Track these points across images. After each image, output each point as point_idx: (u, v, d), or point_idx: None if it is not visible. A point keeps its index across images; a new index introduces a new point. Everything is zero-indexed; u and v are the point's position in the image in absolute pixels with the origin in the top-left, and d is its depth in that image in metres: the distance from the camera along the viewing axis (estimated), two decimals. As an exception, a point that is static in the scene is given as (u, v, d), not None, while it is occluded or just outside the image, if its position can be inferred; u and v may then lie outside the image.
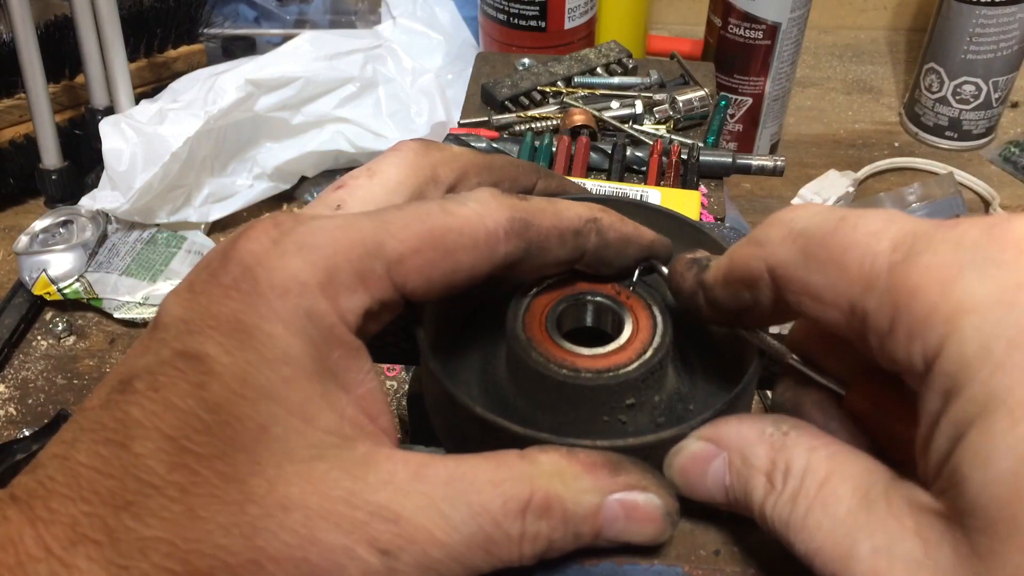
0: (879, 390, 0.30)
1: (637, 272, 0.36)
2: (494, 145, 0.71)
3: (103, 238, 0.91)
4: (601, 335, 0.36)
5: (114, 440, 0.25)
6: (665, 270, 0.35)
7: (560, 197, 0.36)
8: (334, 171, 1.01)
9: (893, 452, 0.29)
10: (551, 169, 0.70)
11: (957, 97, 1.05)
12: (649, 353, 0.34)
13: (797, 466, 0.28)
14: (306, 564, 0.25)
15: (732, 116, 1.03)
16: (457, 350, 0.38)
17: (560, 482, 0.28)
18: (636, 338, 0.35)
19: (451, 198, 0.32)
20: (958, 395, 0.23)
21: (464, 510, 0.26)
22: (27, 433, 0.75)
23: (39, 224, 0.91)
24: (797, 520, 0.27)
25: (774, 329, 0.34)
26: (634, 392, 0.33)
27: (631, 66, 0.86)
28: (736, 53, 0.99)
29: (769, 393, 0.79)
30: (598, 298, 0.36)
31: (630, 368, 0.33)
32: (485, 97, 0.82)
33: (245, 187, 0.97)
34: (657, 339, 0.34)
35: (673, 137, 0.76)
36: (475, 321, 0.39)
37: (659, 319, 0.35)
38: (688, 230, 0.39)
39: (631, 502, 0.29)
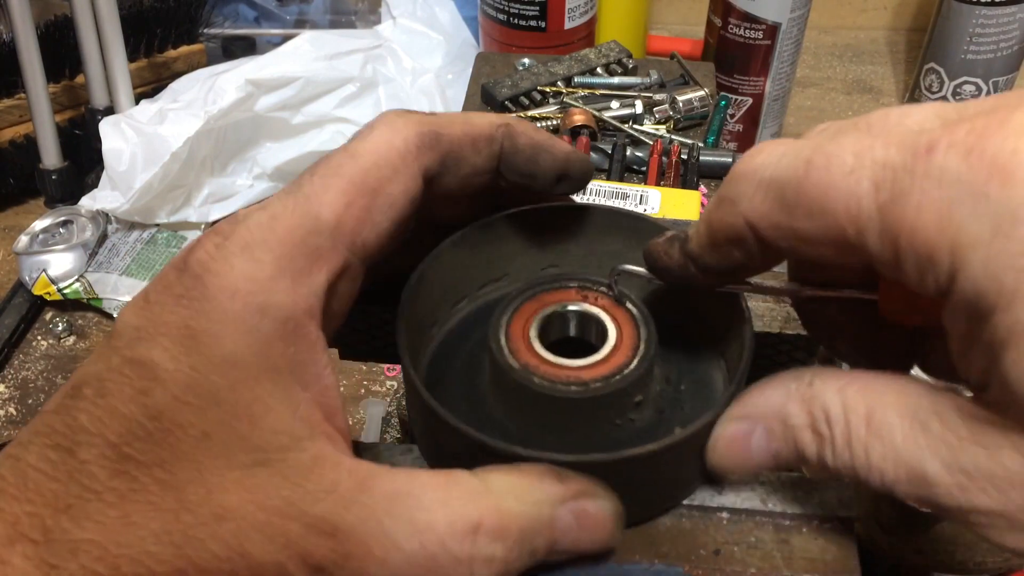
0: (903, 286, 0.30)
1: (614, 280, 0.36)
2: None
3: (103, 238, 0.91)
4: (580, 343, 0.36)
5: (62, 445, 0.26)
6: (640, 269, 0.34)
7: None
8: (334, 171, 1.01)
9: (937, 335, 0.29)
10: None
11: (957, 97, 1.05)
12: (643, 347, 0.34)
13: (835, 410, 0.28)
14: None
15: (732, 116, 1.03)
16: (439, 359, 0.38)
17: (514, 500, 0.27)
18: (624, 337, 0.34)
19: (356, 135, 0.31)
20: (983, 322, 0.24)
21: (407, 527, 0.26)
22: (27, 433, 0.75)
23: (39, 224, 0.90)
24: (862, 462, 0.27)
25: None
26: (641, 389, 0.33)
27: (631, 66, 0.86)
28: (736, 53, 0.99)
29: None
30: (580, 307, 0.36)
31: (632, 366, 0.33)
32: (485, 97, 0.82)
33: (245, 187, 0.97)
34: (644, 331, 0.34)
35: (673, 137, 0.76)
36: (457, 329, 0.39)
37: (636, 312, 0.35)
38: (647, 226, 0.39)
39: (582, 509, 0.29)
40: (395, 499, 0.26)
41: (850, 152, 0.26)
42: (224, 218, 0.30)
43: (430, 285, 0.36)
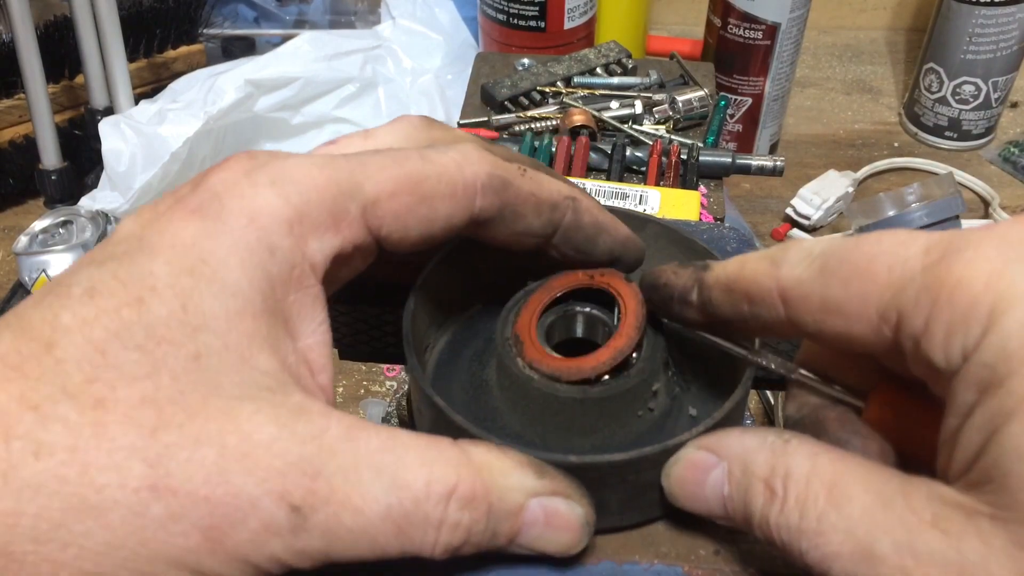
0: (899, 398, 0.30)
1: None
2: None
3: (103, 238, 0.91)
4: (583, 342, 0.36)
5: (39, 339, 0.24)
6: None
7: None
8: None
9: (919, 460, 0.29)
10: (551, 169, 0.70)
11: (956, 97, 1.05)
12: (643, 335, 0.34)
13: (800, 471, 0.27)
14: (205, 504, 0.24)
15: (732, 116, 1.03)
16: (445, 360, 0.38)
17: (489, 475, 0.27)
18: (626, 323, 0.34)
19: (432, 147, 0.31)
20: (997, 387, 0.23)
21: (387, 481, 0.25)
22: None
23: (39, 224, 0.90)
24: (809, 525, 0.26)
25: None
26: (656, 378, 0.33)
27: (631, 66, 0.86)
28: (736, 53, 0.99)
29: (768, 393, 0.79)
30: (587, 309, 0.36)
31: (647, 355, 0.33)
32: (485, 97, 0.82)
33: (245, 187, 0.97)
34: (640, 318, 0.35)
35: (673, 137, 0.76)
36: (463, 330, 0.39)
37: (630, 299, 0.35)
38: (681, 239, 0.39)
39: (553, 508, 0.28)
40: (379, 453, 0.26)
41: (905, 232, 0.26)
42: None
43: (434, 290, 0.36)
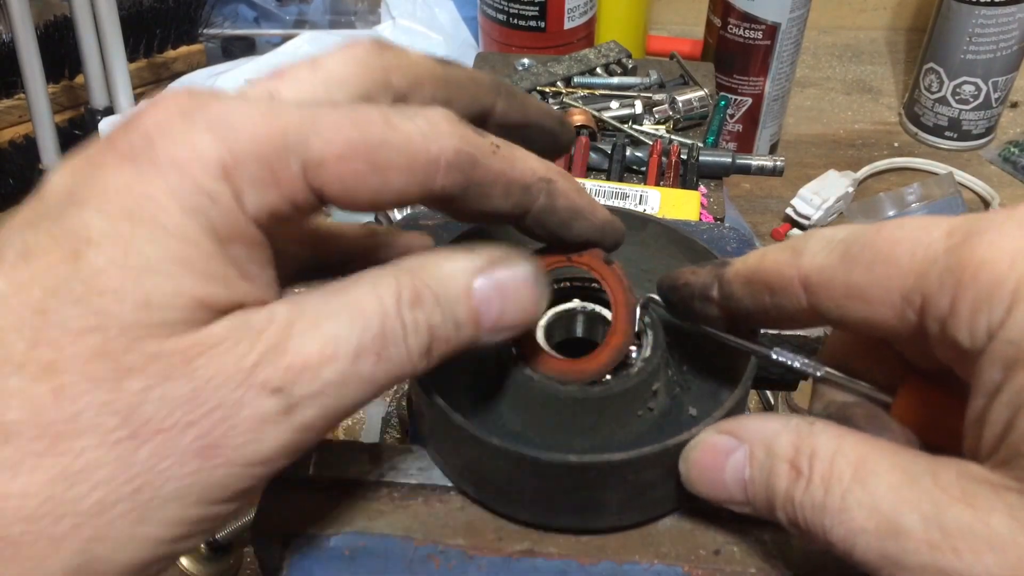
0: (927, 392, 0.30)
1: (638, 311, 0.35)
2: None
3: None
4: (582, 341, 0.36)
5: None
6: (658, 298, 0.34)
7: (524, 123, 0.35)
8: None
9: (948, 454, 0.29)
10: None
11: (957, 97, 1.05)
12: (651, 333, 0.34)
13: (826, 450, 0.27)
14: (191, 428, 0.24)
15: (732, 116, 1.03)
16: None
17: (424, 271, 0.28)
18: (618, 316, 0.34)
19: (398, 110, 0.28)
20: (1020, 368, 0.23)
21: (345, 321, 0.26)
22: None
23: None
24: (834, 502, 0.26)
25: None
26: (657, 378, 0.33)
27: (631, 66, 0.86)
28: (736, 53, 0.99)
29: (768, 393, 0.79)
30: (588, 307, 0.36)
31: (647, 355, 0.33)
32: (485, 97, 0.82)
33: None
34: (648, 317, 0.34)
35: (673, 137, 0.76)
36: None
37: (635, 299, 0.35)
38: (681, 239, 0.39)
39: (499, 279, 0.29)
40: (327, 301, 0.26)
41: (927, 217, 0.26)
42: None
43: None
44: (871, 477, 0.26)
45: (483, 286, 0.28)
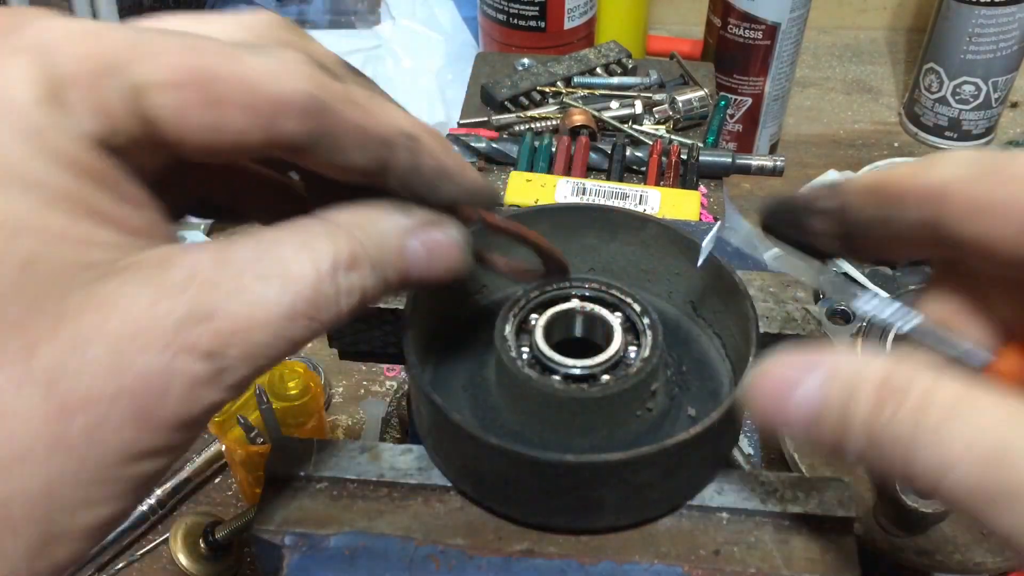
0: None
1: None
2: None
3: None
4: (584, 342, 0.36)
5: None
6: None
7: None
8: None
9: None
10: (551, 169, 0.70)
11: (957, 97, 1.05)
12: (650, 334, 0.34)
13: (922, 381, 0.25)
14: (123, 395, 0.22)
15: (732, 116, 1.03)
16: (445, 359, 0.38)
17: (361, 231, 0.27)
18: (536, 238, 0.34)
19: (248, 45, 0.26)
20: None
21: (278, 284, 0.25)
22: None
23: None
24: (925, 433, 0.24)
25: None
26: (655, 378, 0.34)
27: (631, 66, 0.86)
28: (736, 53, 0.99)
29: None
30: (587, 307, 0.36)
31: (646, 355, 0.33)
32: (485, 97, 0.82)
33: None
34: (647, 318, 0.34)
35: (673, 137, 0.76)
36: (463, 329, 0.39)
37: (633, 299, 0.35)
38: (681, 239, 0.39)
39: (432, 239, 0.29)
40: (258, 262, 0.25)
41: None
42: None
43: (435, 290, 0.36)
44: (972, 411, 0.24)
45: (415, 246, 0.29)
